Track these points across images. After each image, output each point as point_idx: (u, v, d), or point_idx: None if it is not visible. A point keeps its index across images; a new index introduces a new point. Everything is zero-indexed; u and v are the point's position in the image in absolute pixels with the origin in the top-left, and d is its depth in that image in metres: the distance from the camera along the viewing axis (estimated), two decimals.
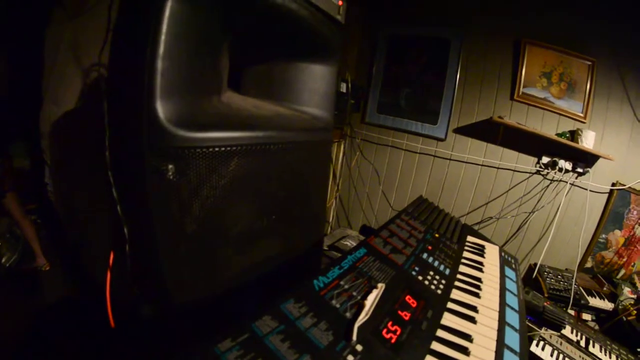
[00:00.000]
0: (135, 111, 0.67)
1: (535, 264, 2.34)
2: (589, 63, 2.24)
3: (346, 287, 0.73)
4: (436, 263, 0.98)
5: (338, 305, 0.66)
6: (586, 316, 2.10)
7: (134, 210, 0.77)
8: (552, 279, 2.20)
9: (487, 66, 2.48)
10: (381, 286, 0.76)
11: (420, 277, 0.87)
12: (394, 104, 2.84)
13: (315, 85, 1.03)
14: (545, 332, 1.74)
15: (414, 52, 2.73)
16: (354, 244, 2.51)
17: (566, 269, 2.35)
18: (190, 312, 0.85)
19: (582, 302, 2.05)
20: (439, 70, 2.62)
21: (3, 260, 2.37)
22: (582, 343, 1.73)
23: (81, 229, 1.82)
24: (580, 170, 2.28)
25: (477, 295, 0.89)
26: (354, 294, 0.71)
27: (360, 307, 0.67)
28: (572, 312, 2.05)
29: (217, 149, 0.74)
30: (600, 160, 2.25)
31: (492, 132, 2.48)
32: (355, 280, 0.76)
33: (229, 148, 0.76)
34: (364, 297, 0.70)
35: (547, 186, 2.38)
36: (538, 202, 2.41)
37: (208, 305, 0.87)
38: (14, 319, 2.03)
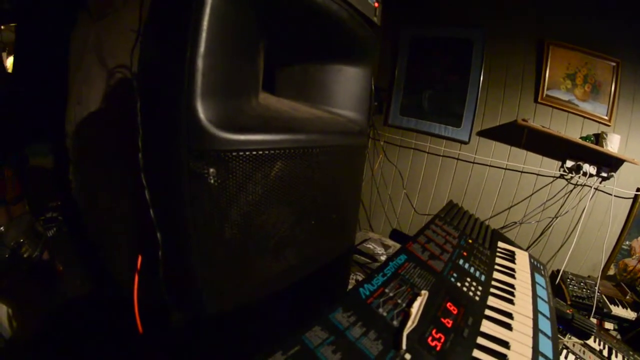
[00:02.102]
0: (174, 112, 0.65)
1: (558, 270, 2.28)
2: (614, 64, 2.17)
3: (391, 294, 0.70)
4: (472, 269, 0.96)
5: (385, 314, 0.64)
6: (608, 325, 2.04)
7: (168, 215, 0.74)
8: (574, 286, 2.14)
9: (511, 68, 2.43)
10: (425, 293, 0.74)
11: (458, 284, 0.85)
12: (417, 106, 2.80)
13: (350, 87, 1.00)
14: (568, 340, 1.69)
15: (436, 53, 2.69)
16: (376, 247, 2.47)
17: (588, 276, 2.29)
18: (224, 321, 0.83)
19: (605, 310, 1.98)
20: (462, 72, 2.57)
21: (25, 256, 2.38)
22: (605, 353, 1.68)
23: (102, 227, 1.82)
24: (604, 174, 2.22)
25: (511, 302, 0.87)
26: (399, 301, 0.69)
27: (407, 315, 0.65)
28: (594, 321, 1.98)
29: (260, 152, 0.72)
30: (625, 165, 2.18)
31: (516, 135, 2.43)
32: (399, 288, 0.73)
33: (272, 151, 0.74)
34: (409, 305, 0.68)
35: (571, 191, 2.32)
36: (561, 207, 2.35)
37: (242, 313, 0.85)
38: (33, 316, 2.04)
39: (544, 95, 2.33)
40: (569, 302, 2.00)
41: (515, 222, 2.50)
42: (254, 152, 0.71)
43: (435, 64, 2.70)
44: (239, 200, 0.71)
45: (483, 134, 2.58)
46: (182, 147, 0.65)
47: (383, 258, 2.36)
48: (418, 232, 1.02)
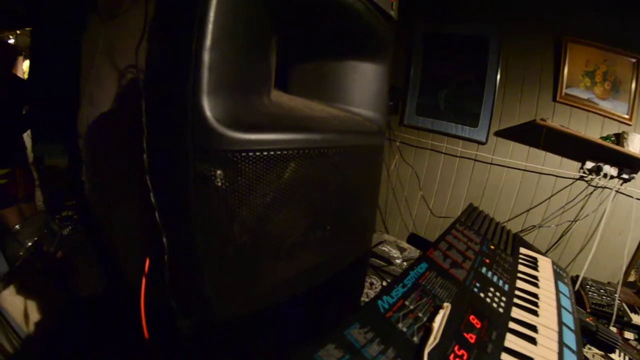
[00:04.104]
0: (179, 109, 0.60)
1: (577, 276, 2.17)
2: (634, 60, 2.06)
3: (411, 307, 0.64)
4: (495, 278, 0.90)
5: (405, 329, 0.58)
6: (628, 334, 1.92)
7: (174, 218, 0.70)
8: (594, 293, 2.03)
9: (528, 65, 2.33)
10: (447, 306, 0.67)
11: (482, 295, 0.79)
12: (433, 105, 2.71)
13: (367, 85, 0.94)
14: (588, 351, 1.60)
15: (451, 51, 2.60)
16: (392, 250, 2.39)
17: (608, 283, 2.18)
18: (233, 328, 0.78)
19: (625, 319, 1.87)
20: (478, 70, 2.48)
21: (39, 254, 2.39)
22: None
23: (113, 228, 1.80)
24: (626, 176, 2.11)
25: (535, 313, 0.81)
26: (420, 315, 0.63)
27: (428, 330, 0.60)
28: (613, 330, 1.88)
29: (271, 152, 0.66)
30: None
31: (534, 135, 2.33)
32: (420, 300, 0.67)
33: (284, 152, 0.68)
34: (431, 319, 0.63)
35: (591, 193, 2.21)
36: (581, 209, 2.25)
37: (252, 320, 0.80)
38: (47, 314, 2.03)
39: (563, 94, 2.23)
40: (588, 310, 1.90)
41: (534, 226, 2.40)
42: (265, 153, 0.65)
43: (451, 63, 2.61)
44: (248, 204, 0.66)
45: (500, 134, 2.48)
46: (187, 147, 0.60)
47: (398, 261, 2.29)
48: (439, 238, 0.96)
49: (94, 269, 2.42)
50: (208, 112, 0.59)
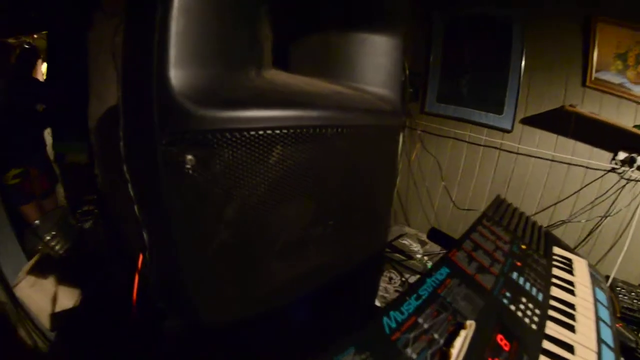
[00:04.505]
0: (144, 85, 0.48)
1: (607, 277, 1.95)
2: None
3: (425, 326, 0.50)
4: (527, 285, 0.74)
5: (414, 356, 0.45)
6: None
7: (151, 211, 0.59)
8: (624, 296, 1.80)
9: (555, 48, 2.10)
10: (470, 325, 0.53)
11: (512, 307, 0.64)
12: (455, 92, 2.50)
13: (378, 60, 0.78)
14: None
15: (472, 35, 2.38)
16: (412, 243, 2.23)
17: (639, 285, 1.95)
18: (223, 332, 0.67)
19: None
20: (502, 54, 2.26)
21: (57, 247, 2.39)
22: None
23: (120, 221, 1.76)
24: None
25: (572, 328, 0.67)
26: (436, 336, 0.49)
27: (445, 356, 0.46)
28: None
29: (252, 133, 0.52)
30: None
31: (562, 122, 2.10)
32: (437, 316, 0.53)
33: (270, 132, 0.54)
34: (449, 342, 0.48)
35: (623, 186, 1.98)
36: (612, 204, 2.01)
37: (246, 323, 0.68)
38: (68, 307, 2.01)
39: (593, 78, 2.00)
40: (618, 315, 1.69)
41: (564, 221, 2.17)
42: (245, 134, 0.52)
43: (473, 47, 2.40)
44: (227, 196, 0.54)
45: (527, 121, 2.26)
46: (154, 129, 0.49)
47: (419, 256, 2.13)
48: (463, 236, 0.81)
49: (114, 262, 2.39)
50: (174, 86, 0.47)
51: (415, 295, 0.56)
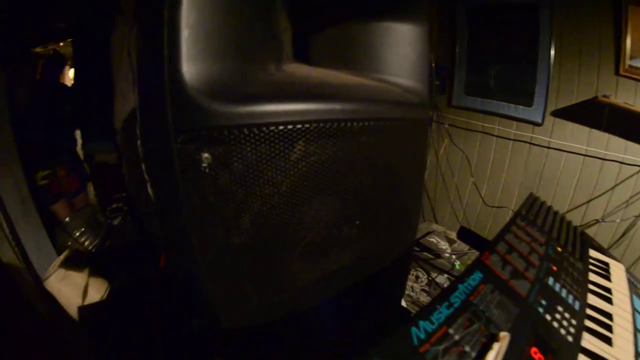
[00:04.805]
0: (157, 81, 0.45)
1: None
2: None
3: (456, 337, 0.45)
4: (564, 292, 0.68)
5: None
6: None
7: (170, 211, 0.57)
8: None
9: (585, 34, 1.95)
10: (504, 337, 0.48)
11: (548, 317, 0.59)
12: (483, 84, 2.37)
13: (403, 49, 0.72)
14: None
15: (498, 23, 2.25)
16: (440, 241, 2.15)
17: None
18: (244, 336, 0.65)
19: None
20: (530, 43, 2.11)
21: (86, 243, 2.45)
22: None
23: (145, 220, 1.77)
24: None
25: (609, 341, 0.62)
26: (467, 349, 0.44)
27: None
28: None
29: (272, 128, 0.48)
30: None
31: (595, 114, 1.95)
32: (469, 326, 0.48)
33: (290, 127, 0.49)
34: (481, 355, 0.44)
35: None
36: None
37: (268, 329, 0.65)
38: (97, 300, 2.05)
39: (626, 66, 1.83)
40: None
41: (597, 220, 2.01)
42: (266, 129, 0.48)
43: (499, 36, 2.26)
44: (246, 195, 0.50)
45: (558, 113, 2.11)
46: (168, 126, 0.46)
47: (447, 255, 2.05)
48: (497, 237, 0.75)
49: (142, 258, 2.44)
50: (187, 82, 0.44)
51: (446, 303, 0.52)
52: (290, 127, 0.49)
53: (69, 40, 2.97)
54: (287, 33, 0.69)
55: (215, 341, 0.68)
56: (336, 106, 0.53)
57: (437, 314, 0.48)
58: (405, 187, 0.77)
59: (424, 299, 1.88)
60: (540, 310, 0.59)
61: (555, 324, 0.58)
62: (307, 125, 0.50)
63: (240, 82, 0.50)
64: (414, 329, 0.44)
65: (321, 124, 0.52)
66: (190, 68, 0.44)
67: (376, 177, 0.66)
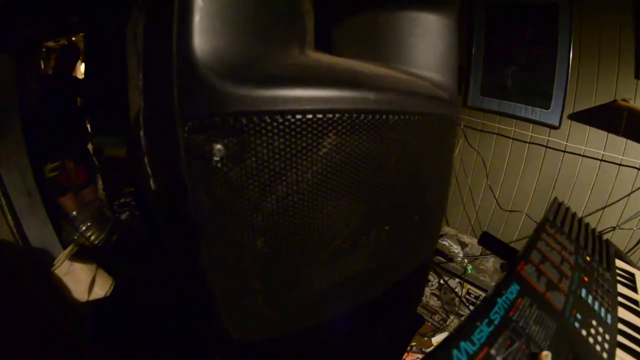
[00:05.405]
0: (164, 58, 0.38)
1: None
2: None
3: (499, 358, 0.39)
4: (596, 305, 0.62)
5: None
6: None
7: (174, 210, 0.49)
8: None
9: (605, 36, 1.86)
10: (546, 356, 0.42)
11: (583, 332, 0.53)
12: (499, 85, 2.28)
13: (432, 41, 0.65)
14: None
15: (516, 23, 2.16)
16: (452, 245, 2.06)
17: None
18: (259, 348, 0.57)
19: None
20: (548, 44, 2.02)
21: (92, 238, 2.40)
22: None
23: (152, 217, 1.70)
24: None
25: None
26: None
27: None
28: None
29: (299, 117, 0.39)
30: None
31: (613, 119, 1.86)
32: (511, 345, 0.42)
33: (319, 115, 0.40)
34: None
35: None
36: None
37: (283, 342, 0.58)
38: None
39: None
40: None
41: (614, 227, 1.92)
42: (290, 117, 0.39)
43: (517, 36, 2.17)
44: (265, 194, 0.42)
45: (576, 117, 2.02)
46: (175, 112, 0.38)
47: (459, 259, 1.96)
48: (528, 246, 0.67)
49: (147, 252, 2.38)
50: (199, 59, 0.35)
51: (487, 321, 0.44)
52: (319, 116, 0.40)
53: (81, 34, 2.91)
54: (310, 16, 0.61)
55: (219, 345, 0.61)
56: (370, 95, 0.44)
57: (477, 334, 0.41)
58: (434, 189, 0.69)
59: (434, 302, 1.80)
60: (577, 325, 0.53)
61: (591, 340, 0.53)
62: (339, 115, 0.42)
63: (261, 62, 0.42)
64: (455, 352, 0.37)
65: (354, 115, 0.43)
66: (202, 43, 0.36)
67: (408, 178, 0.58)
